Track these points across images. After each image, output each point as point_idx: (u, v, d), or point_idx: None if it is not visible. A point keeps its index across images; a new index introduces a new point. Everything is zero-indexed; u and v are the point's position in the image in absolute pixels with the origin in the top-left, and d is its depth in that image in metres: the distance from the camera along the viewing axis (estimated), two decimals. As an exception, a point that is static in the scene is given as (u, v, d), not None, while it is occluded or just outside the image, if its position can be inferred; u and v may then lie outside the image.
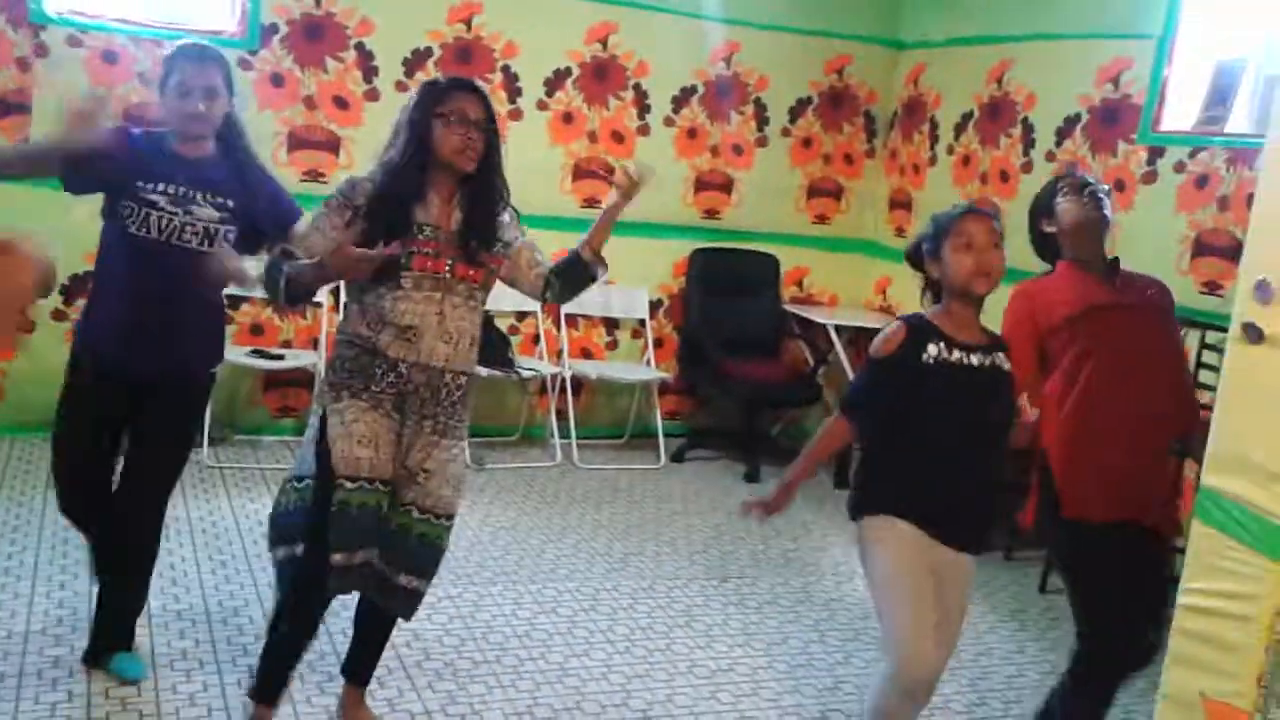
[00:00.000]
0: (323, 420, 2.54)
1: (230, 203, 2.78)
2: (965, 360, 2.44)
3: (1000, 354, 2.52)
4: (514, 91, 5.35)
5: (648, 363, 5.70)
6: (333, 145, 5.08)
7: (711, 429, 5.90)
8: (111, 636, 2.97)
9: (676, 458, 5.58)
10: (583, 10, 5.40)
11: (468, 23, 5.21)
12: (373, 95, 5.09)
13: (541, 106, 5.42)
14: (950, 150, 5.62)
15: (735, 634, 3.68)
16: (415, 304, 2.49)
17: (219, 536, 3.99)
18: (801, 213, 6.09)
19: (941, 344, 2.43)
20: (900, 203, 5.98)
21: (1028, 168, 5.12)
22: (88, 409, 2.85)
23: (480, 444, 5.19)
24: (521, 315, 5.51)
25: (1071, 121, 4.90)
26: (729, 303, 5.67)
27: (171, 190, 2.72)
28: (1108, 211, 2.75)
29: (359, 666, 2.83)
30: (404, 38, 5.12)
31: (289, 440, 5.14)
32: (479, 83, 2.59)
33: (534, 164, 5.34)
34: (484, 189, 2.58)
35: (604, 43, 5.46)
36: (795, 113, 5.94)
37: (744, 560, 4.36)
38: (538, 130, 5.41)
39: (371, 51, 5.08)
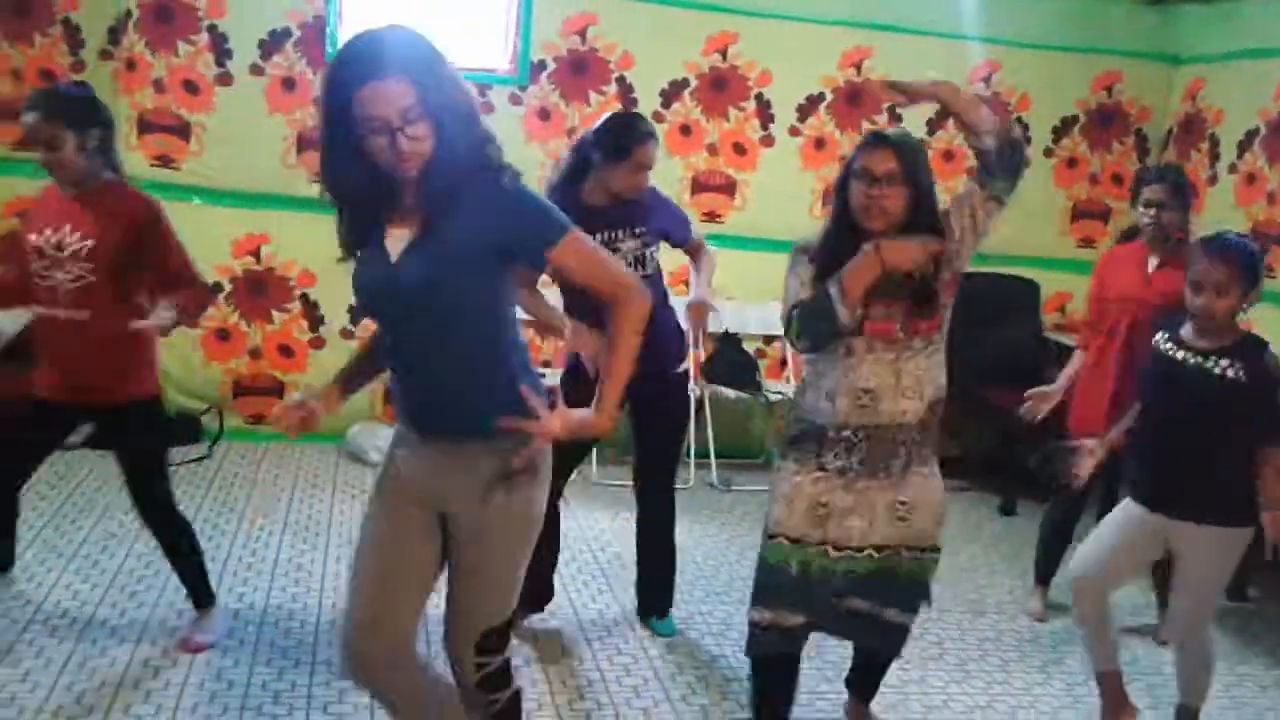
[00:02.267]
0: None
1: (645, 229, 3.32)
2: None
3: None
4: (766, 119, 5.42)
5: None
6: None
7: (962, 459, 5.70)
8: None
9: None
10: (834, 33, 5.41)
11: (723, 53, 5.32)
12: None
13: (794, 132, 5.46)
14: (1233, 169, 5.25)
15: (993, 670, 3.55)
16: (870, 366, 2.49)
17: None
18: (1065, 236, 5.84)
19: None
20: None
21: (1324, 185, 4.71)
22: None
23: (727, 466, 5.25)
24: (769, 339, 5.54)
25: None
26: (985, 329, 5.48)
27: (600, 236, 3.09)
28: None
29: (862, 685, 3.07)
30: (661, 69, 5.29)
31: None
32: (888, 132, 2.51)
33: (786, 189, 5.40)
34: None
35: (858, 66, 5.45)
36: (1059, 132, 5.71)
37: (1001, 594, 4.19)
38: (789, 155, 5.45)
39: (631, 84, 5.27)
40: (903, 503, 2.58)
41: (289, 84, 4.99)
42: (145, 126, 4.92)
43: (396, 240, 2.00)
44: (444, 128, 1.91)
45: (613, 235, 3.21)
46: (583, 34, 5.19)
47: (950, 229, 2.48)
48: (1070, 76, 5.65)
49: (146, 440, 3.12)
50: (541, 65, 5.19)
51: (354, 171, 1.94)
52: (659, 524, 3.58)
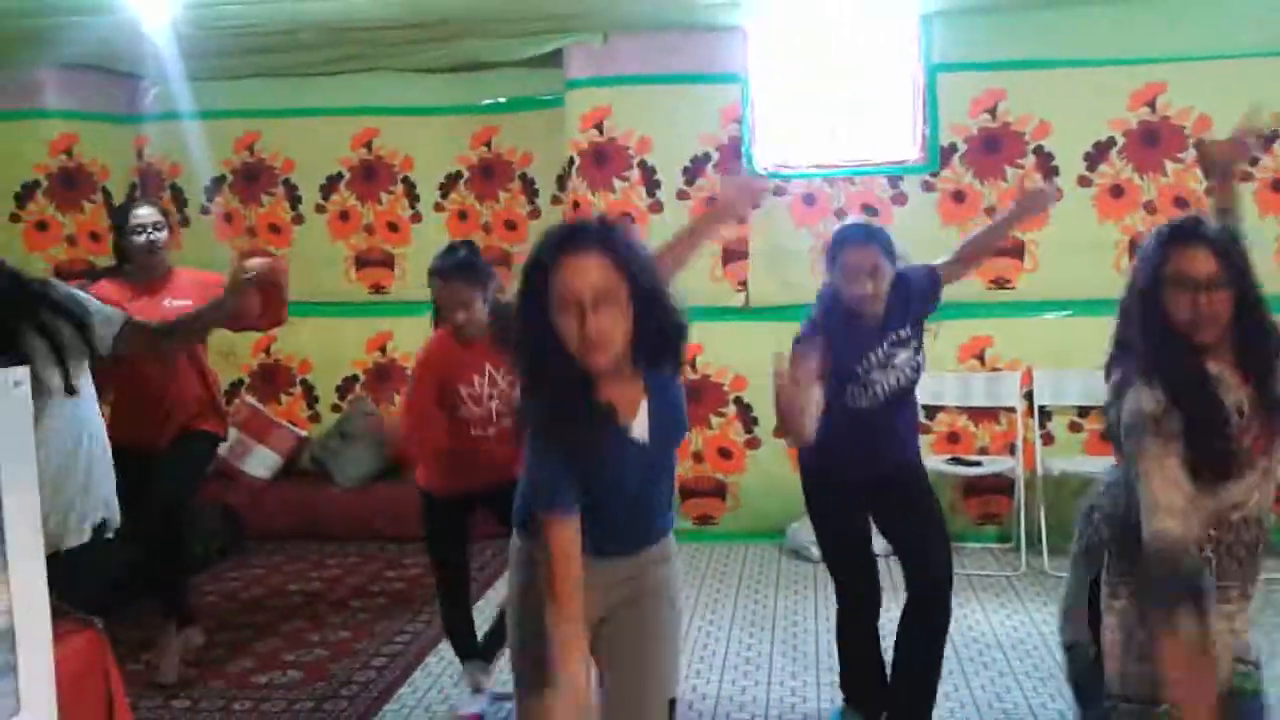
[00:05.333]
0: None
1: (906, 330, 3.00)
2: None
3: None
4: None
5: None
6: (1017, 251, 5.12)
7: None
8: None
9: None
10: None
11: (1151, 105, 4.97)
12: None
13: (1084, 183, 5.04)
14: None
15: None
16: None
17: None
18: None
19: None
20: None
21: None
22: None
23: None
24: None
25: None
26: None
27: (874, 357, 2.97)
28: None
29: None
30: (1085, 132, 5.04)
31: (992, 547, 5.14)
32: (1201, 226, 2.10)
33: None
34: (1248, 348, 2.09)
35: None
36: None
37: None
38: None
39: (1050, 153, 5.07)
40: None
41: (712, 203, 5.32)
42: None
43: (637, 429, 2.05)
44: (642, 306, 1.93)
45: (881, 356, 2.98)
46: (992, 111, 5.09)
47: None
48: None
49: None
50: (952, 148, 5.15)
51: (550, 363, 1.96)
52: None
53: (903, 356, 3.00)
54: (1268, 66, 4.82)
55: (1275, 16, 4.81)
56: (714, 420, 5.44)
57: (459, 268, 3.19)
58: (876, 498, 3.13)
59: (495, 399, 3.26)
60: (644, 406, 2.03)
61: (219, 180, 5.95)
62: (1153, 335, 2.10)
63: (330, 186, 5.88)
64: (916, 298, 3.03)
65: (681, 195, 5.33)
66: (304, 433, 5.87)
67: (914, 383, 3.08)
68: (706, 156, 5.31)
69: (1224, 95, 4.85)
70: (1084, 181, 5.02)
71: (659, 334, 1.96)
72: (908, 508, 3.13)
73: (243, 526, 5.45)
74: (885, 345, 2.98)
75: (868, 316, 2.97)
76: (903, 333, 3.00)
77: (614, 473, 2.04)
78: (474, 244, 3.36)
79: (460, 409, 3.28)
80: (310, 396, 5.99)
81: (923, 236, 5.10)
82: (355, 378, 5.91)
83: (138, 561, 3.68)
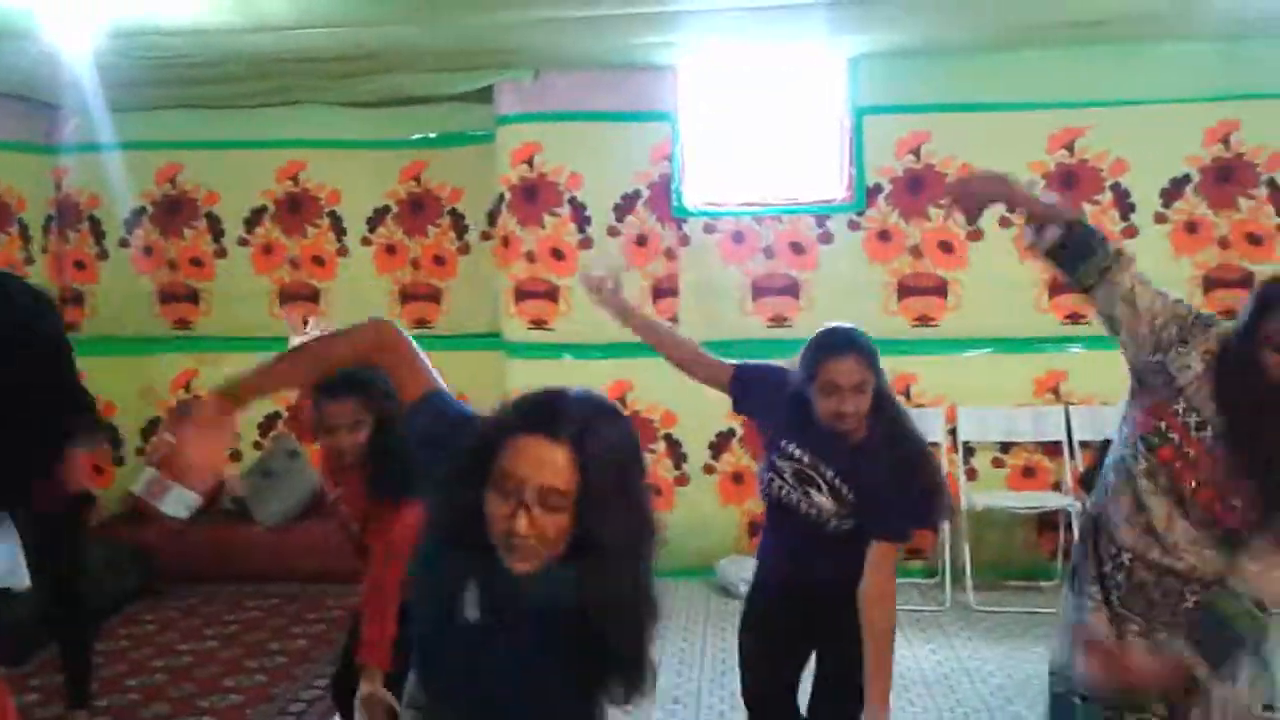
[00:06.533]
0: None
1: (854, 496, 2.54)
2: None
3: None
4: (1126, 209, 5.11)
5: None
6: (939, 290, 5.21)
7: None
8: None
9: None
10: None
11: (1070, 148, 5.11)
12: (976, 235, 5.17)
13: (1159, 219, 5.11)
14: None
15: None
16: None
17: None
18: None
19: None
20: None
21: None
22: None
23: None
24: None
25: None
26: None
27: (805, 459, 2.58)
28: None
29: None
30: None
31: (918, 582, 5.18)
32: None
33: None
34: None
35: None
36: None
37: None
38: (1153, 243, 5.07)
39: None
40: None
41: (642, 240, 5.34)
42: (520, 295, 5.43)
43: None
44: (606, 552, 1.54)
45: (812, 472, 2.56)
46: (917, 152, 5.19)
47: None
48: None
49: None
50: (878, 188, 5.23)
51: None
52: None
53: (821, 500, 2.56)
54: (1180, 112, 5.02)
55: (1188, 65, 4.99)
56: (644, 456, 5.41)
57: (352, 385, 2.59)
58: (818, 637, 2.69)
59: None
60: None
61: (139, 212, 5.82)
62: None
63: (254, 220, 5.79)
64: (890, 508, 2.52)
65: (612, 232, 5.34)
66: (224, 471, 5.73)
67: (835, 537, 2.57)
68: (637, 194, 5.33)
69: (1139, 140, 5.04)
70: (1004, 222, 5.13)
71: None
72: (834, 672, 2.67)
73: (158, 568, 5.29)
74: (822, 469, 2.56)
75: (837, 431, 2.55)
76: (849, 491, 2.55)
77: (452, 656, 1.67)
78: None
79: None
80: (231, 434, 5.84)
81: (848, 275, 5.22)
82: (278, 414, 5.79)
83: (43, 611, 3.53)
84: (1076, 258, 2.25)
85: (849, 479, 2.54)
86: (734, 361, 2.81)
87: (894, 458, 2.53)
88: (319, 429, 2.67)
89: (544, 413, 1.53)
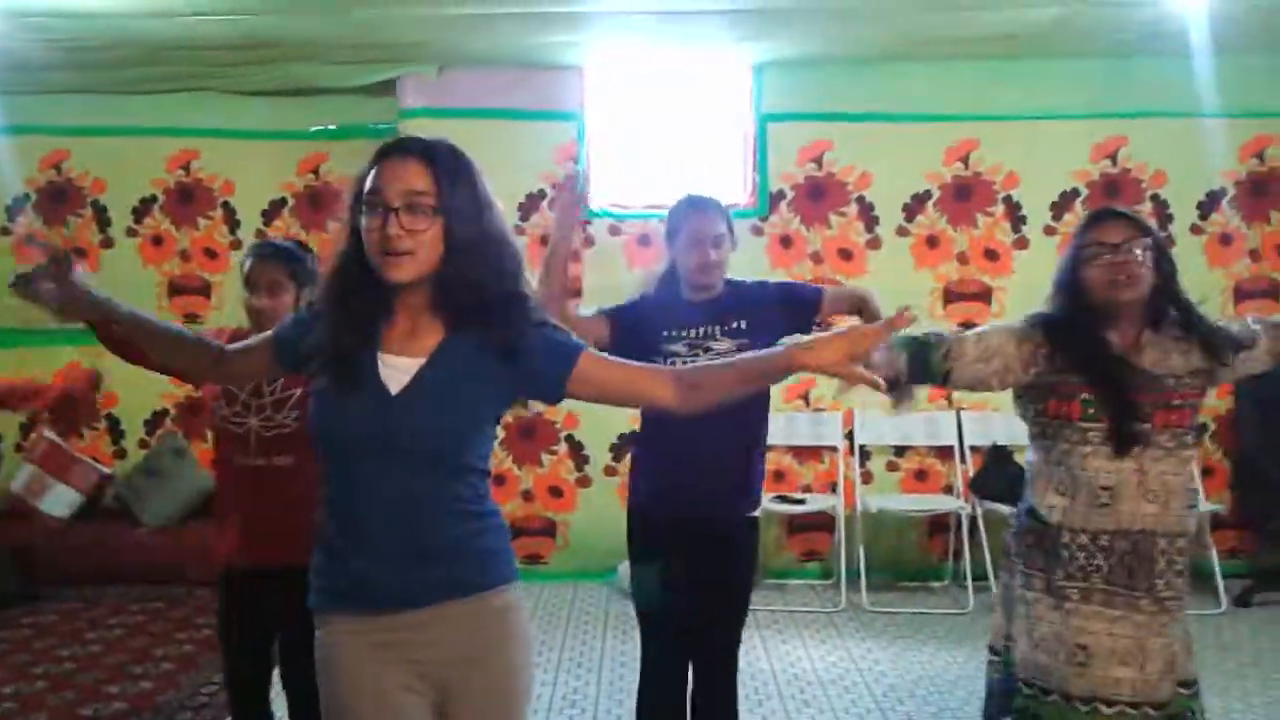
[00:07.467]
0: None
1: (743, 324, 2.77)
2: None
3: None
4: (1017, 221, 5.27)
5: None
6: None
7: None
8: None
9: (1241, 602, 4.90)
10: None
11: (965, 160, 5.25)
12: (875, 244, 5.27)
13: (1049, 232, 5.28)
14: None
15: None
16: (1108, 461, 2.21)
17: (754, 678, 4.14)
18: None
19: None
20: None
21: None
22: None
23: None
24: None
25: None
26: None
27: (690, 334, 2.76)
28: None
29: None
30: (904, 185, 5.28)
31: (814, 584, 5.26)
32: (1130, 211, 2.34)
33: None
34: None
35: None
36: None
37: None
38: (1046, 255, 5.24)
39: (871, 203, 5.28)
40: None
41: (546, 240, 5.29)
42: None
43: (394, 371, 1.76)
44: (456, 238, 1.71)
45: (700, 333, 2.77)
46: (819, 160, 5.27)
47: None
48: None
49: None
50: (781, 195, 5.30)
51: (350, 266, 1.76)
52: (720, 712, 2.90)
53: (722, 346, 2.74)
54: (1070, 128, 5.19)
55: (1077, 82, 5.16)
56: (545, 458, 5.40)
57: (280, 252, 2.79)
58: (694, 548, 2.78)
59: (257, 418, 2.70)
60: (419, 363, 1.75)
61: (23, 199, 5.58)
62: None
63: (144, 210, 5.60)
64: (776, 300, 2.84)
65: (517, 231, 5.28)
66: (108, 470, 5.52)
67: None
68: (542, 193, 5.30)
69: (1030, 153, 5.21)
70: (902, 231, 5.26)
71: (464, 284, 1.72)
72: (719, 572, 2.81)
73: (37, 570, 5.07)
74: (706, 327, 2.77)
75: (705, 289, 2.79)
76: (737, 324, 2.77)
77: (350, 436, 1.74)
78: (313, 250, 2.94)
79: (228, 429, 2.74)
80: (116, 431, 5.64)
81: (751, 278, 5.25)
82: (165, 412, 5.61)
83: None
84: (921, 368, 2.27)
85: (734, 317, 2.77)
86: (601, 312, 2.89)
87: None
88: (245, 284, 2.79)
89: (394, 143, 1.76)
